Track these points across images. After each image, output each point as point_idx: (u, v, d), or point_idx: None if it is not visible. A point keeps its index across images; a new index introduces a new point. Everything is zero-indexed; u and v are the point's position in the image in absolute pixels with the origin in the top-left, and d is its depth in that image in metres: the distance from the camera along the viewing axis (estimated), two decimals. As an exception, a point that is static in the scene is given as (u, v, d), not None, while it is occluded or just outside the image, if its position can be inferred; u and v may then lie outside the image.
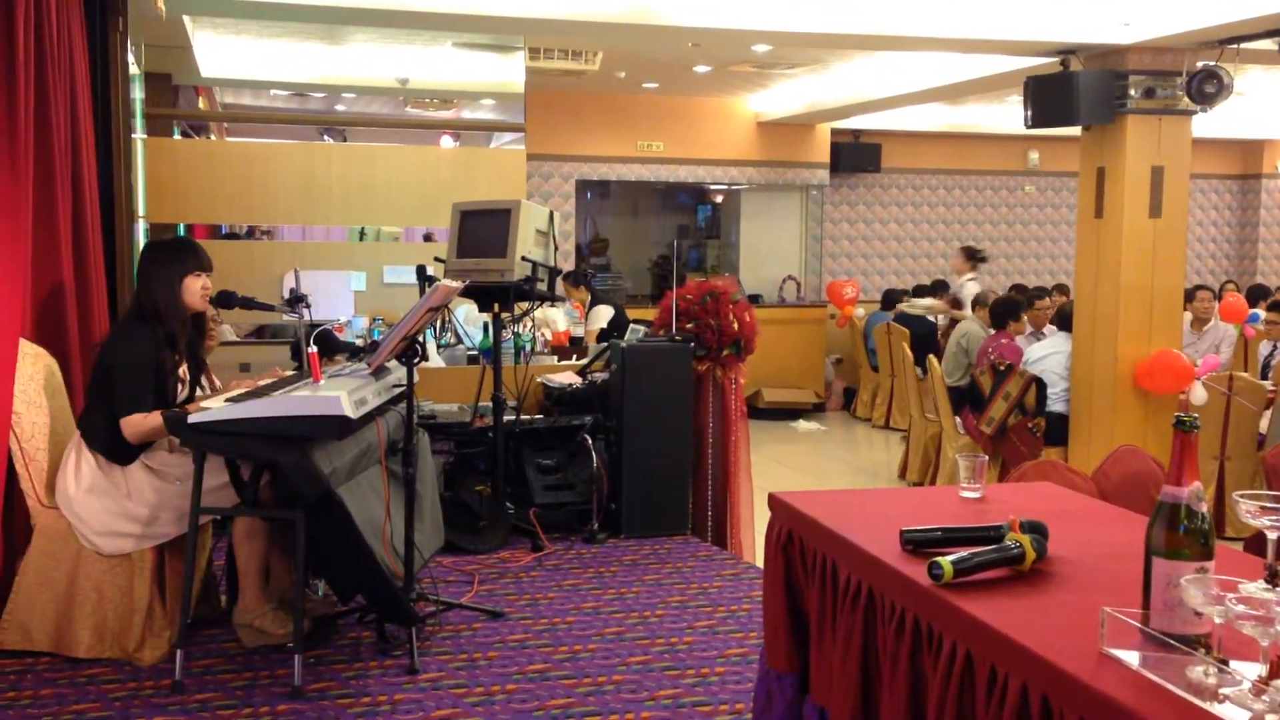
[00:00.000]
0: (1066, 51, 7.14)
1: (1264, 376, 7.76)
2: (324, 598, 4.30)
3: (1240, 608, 1.66)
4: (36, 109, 4.13)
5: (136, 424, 3.73)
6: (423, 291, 4.89)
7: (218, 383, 4.14)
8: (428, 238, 9.46)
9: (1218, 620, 1.72)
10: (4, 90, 3.84)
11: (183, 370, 3.91)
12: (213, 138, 9.52)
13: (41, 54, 4.17)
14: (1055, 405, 7.49)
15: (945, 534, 2.38)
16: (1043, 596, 2.12)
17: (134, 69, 6.09)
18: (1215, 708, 1.60)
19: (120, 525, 3.76)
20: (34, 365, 3.93)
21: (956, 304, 10.31)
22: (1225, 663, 1.71)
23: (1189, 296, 8.55)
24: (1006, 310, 8.08)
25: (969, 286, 10.20)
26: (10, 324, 3.80)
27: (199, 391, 3.98)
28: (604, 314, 8.36)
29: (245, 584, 3.88)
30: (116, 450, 3.79)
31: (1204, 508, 1.84)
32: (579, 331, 8.31)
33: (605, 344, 6.27)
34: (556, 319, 8.00)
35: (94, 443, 3.78)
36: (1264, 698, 1.60)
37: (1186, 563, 1.81)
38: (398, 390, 3.96)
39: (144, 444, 3.83)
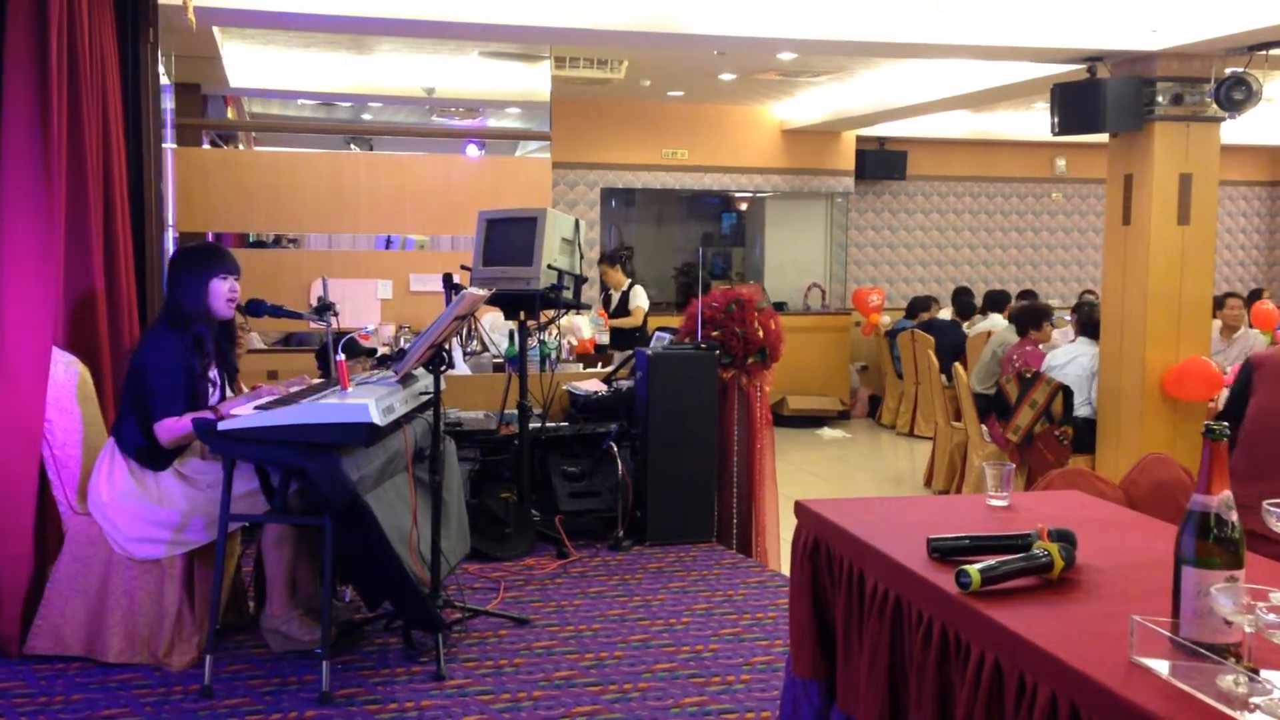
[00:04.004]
0: (1094, 58, 7.10)
1: (1294, 384, 7.68)
2: (351, 604, 4.33)
3: (1271, 616, 1.66)
4: (69, 119, 4.17)
5: (169, 428, 3.76)
6: (449, 300, 4.92)
7: (245, 390, 4.17)
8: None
9: (1248, 629, 1.72)
10: (38, 101, 3.89)
11: (214, 374, 3.94)
12: (241, 147, 9.61)
13: (74, 65, 4.22)
14: (1080, 410, 7.43)
15: (973, 542, 2.37)
16: (1071, 605, 2.11)
17: (164, 79, 6.14)
18: (1246, 717, 1.59)
19: (151, 531, 3.79)
20: (66, 373, 3.97)
21: None
22: (1256, 672, 1.71)
23: (1218, 304, 8.48)
24: (1029, 318, 8.03)
25: None
26: (42, 332, 3.85)
27: (228, 393, 4.02)
28: (644, 294, 8.82)
29: (273, 590, 3.92)
30: (150, 455, 3.82)
31: (1234, 516, 1.83)
32: (604, 339, 8.33)
33: (630, 352, 6.29)
34: (582, 326, 8.02)
35: (127, 448, 3.82)
36: (1295, 707, 1.59)
37: (1216, 571, 1.80)
38: (425, 398, 3.98)
39: (177, 449, 3.86)
